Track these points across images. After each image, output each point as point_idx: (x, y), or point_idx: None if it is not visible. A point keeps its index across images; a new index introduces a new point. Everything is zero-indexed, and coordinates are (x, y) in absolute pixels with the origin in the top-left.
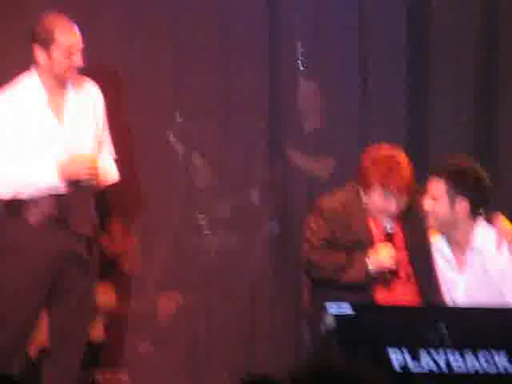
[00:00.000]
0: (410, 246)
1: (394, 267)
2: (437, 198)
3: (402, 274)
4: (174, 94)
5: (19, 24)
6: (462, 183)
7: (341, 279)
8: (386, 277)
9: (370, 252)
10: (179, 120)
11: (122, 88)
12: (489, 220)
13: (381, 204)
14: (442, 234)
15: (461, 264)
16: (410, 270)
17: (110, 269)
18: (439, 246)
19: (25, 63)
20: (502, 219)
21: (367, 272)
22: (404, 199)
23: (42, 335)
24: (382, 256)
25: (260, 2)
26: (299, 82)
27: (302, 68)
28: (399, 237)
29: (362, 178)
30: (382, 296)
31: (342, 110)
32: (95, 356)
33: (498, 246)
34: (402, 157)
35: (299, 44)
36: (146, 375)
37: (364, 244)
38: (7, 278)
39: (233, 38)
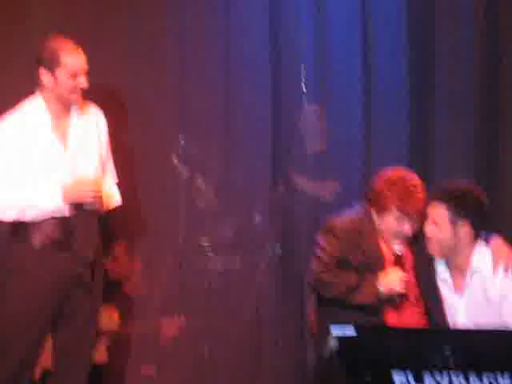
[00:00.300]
0: (418, 268)
1: (403, 291)
2: (439, 224)
3: (411, 296)
4: (177, 116)
5: (22, 46)
6: (463, 208)
7: (351, 300)
8: (396, 300)
9: (381, 275)
10: (182, 142)
11: (125, 110)
12: (486, 241)
13: (395, 227)
14: (443, 257)
15: (460, 287)
16: (418, 292)
17: (113, 292)
18: (440, 272)
19: (27, 84)
20: (497, 240)
21: (377, 295)
22: (417, 222)
23: (45, 357)
24: (392, 279)
25: (263, 25)
26: (302, 106)
27: (304, 91)
28: (409, 259)
29: (378, 201)
30: (392, 318)
31: (344, 133)
32: (99, 379)
33: (494, 266)
34: (417, 180)
35: (302, 67)
36: None
37: (375, 265)
38: (11, 302)
39: (236, 61)
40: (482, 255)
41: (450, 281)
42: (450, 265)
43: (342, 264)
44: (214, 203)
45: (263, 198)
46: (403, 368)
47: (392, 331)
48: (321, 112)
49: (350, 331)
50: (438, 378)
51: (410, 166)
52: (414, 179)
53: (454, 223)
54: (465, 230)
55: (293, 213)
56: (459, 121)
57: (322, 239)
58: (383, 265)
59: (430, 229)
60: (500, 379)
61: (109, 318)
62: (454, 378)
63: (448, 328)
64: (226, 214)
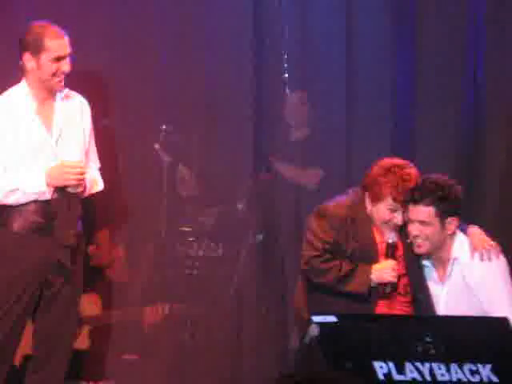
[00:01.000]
0: (407, 257)
1: (394, 280)
2: (427, 223)
3: (401, 287)
4: (160, 104)
5: (5, 33)
6: (450, 204)
7: (341, 288)
8: (387, 290)
9: (373, 266)
10: (165, 130)
11: (108, 97)
12: (464, 230)
13: (387, 216)
14: (433, 252)
15: (442, 277)
16: (407, 283)
17: (95, 278)
18: (424, 263)
19: (12, 72)
20: (474, 228)
21: (369, 284)
22: None
23: (26, 343)
24: (384, 269)
25: (246, 12)
26: (285, 93)
27: (287, 78)
28: (399, 248)
29: (372, 188)
30: (382, 308)
31: (328, 120)
32: (80, 365)
33: (472, 254)
34: (413, 168)
35: (285, 54)
36: None
37: (367, 254)
38: None
39: (219, 48)
40: (461, 244)
41: (433, 270)
42: (432, 255)
43: (333, 250)
44: (196, 191)
45: (245, 186)
46: (384, 357)
47: (373, 319)
48: (303, 99)
49: (331, 318)
50: (420, 368)
51: (393, 153)
52: (410, 168)
53: (442, 219)
54: (453, 224)
55: (275, 200)
56: (444, 108)
57: (313, 223)
58: (376, 253)
59: (416, 227)
60: (481, 368)
61: (91, 305)
62: (435, 368)
63: (429, 316)
64: (209, 201)
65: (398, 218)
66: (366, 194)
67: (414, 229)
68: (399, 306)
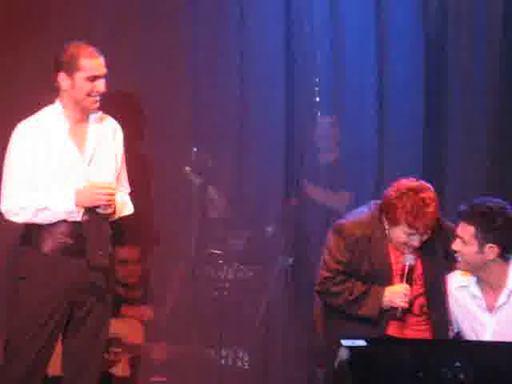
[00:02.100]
0: (427, 279)
1: (406, 306)
2: (466, 242)
3: (416, 307)
4: (191, 126)
5: (41, 54)
6: (491, 229)
7: (353, 312)
8: (398, 315)
9: (386, 289)
10: (196, 153)
11: (139, 120)
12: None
13: (403, 239)
14: (472, 273)
15: (491, 304)
16: (424, 303)
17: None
18: (468, 284)
19: (46, 92)
20: None
21: (380, 309)
22: (427, 235)
23: (55, 364)
24: (397, 294)
25: (277, 37)
26: (315, 117)
27: (318, 102)
28: (417, 268)
29: (388, 212)
30: (394, 330)
31: (357, 145)
32: None
33: None
34: (430, 192)
35: (317, 78)
36: None
37: (381, 275)
38: (23, 306)
39: (251, 72)
40: None
41: (481, 297)
42: (480, 282)
43: (347, 271)
44: (226, 213)
45: (276, 209)
46: (414, 382)
47: (403, 343)
48: (334, 123)
49: (360, 342)
50: None
51: (423, 177)
52: (427, 192)
53: (481, 243)
54: (493, 252)
55: (305, 225)
56: (473, 134)
57: (330, 240)
58: (390, 273)
59: (457, 243)
60: None
61: (134, 331)
62: None
63: (459, 341)
64: (239, 224)
65: (415, 242)
66: (383, 216)
67: (455, 243)
68: (412, 327)
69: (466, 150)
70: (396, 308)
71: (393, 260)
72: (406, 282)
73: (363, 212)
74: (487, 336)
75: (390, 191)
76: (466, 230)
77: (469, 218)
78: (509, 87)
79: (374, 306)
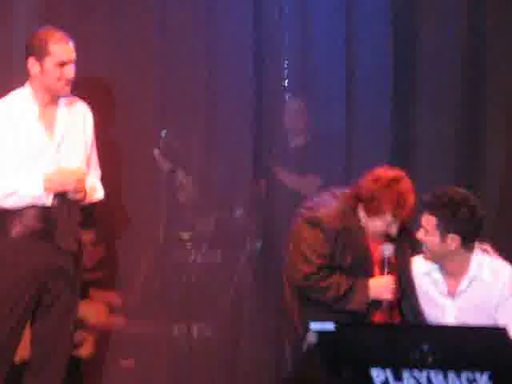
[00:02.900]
0: (398, 267)
1: (392, 297)
2: (428, 232)
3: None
4: (160, 110)
5: (5, 39)
6: (452, 220)
7: (340, 306)
8: (383, 307)
9: (370, 281)
10: (164, 136)
11: (108, 103)
12: (482, 248)
13: (383, 229)
14: (436, 262)
15: (452, 290)
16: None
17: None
18: (430, 270)
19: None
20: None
21: (367, 302)
22: (403, 223)
23: (23, 348)
24: (383, 287)
25: (246, 20)
26: (284, 100)
27: (286, 86)
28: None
29: (371, 204)
30: (380, 320)
31: (326, 127)
32: (78, 371)
33: (495, 274)
34: (409, 181)
35: (285, 61)
36: None
37: (362, 267)
38: None
39: (219, 55)
40: (479, 262)
41: (442, 282)
42: (443, 268)
43: (329, 264)
44: (194, 197)
45: (244, 193)
46: (382, 365)
47: (371, 327)
48: (302, 107)
49: (329, 326)
50: (417, 376)
51: (392, 161)
52: (406, 180)
53: (443, 233)
54: (455, 242)
55: (274, 209)
56: (443, 115)
57: (305, 233)
58: (371, 265)
59: (420, 233)
60: (478, 377)
61: (97, 313)
62: (432, 376)
63: (427, 324)
64: (207, 208)
65: (393, 230)
66: (361, 206)
67: (419, 233)
68: (397, 318)
69: (436, 132)
70: (381, 301)
71: (372, 252)
72: (388, 272)
73: (332, 203)
74: (448, 321)
75: (370, 183)
76: (428, 221)
77: (431, 208)
78: (477, 72)
79: (362, 300)
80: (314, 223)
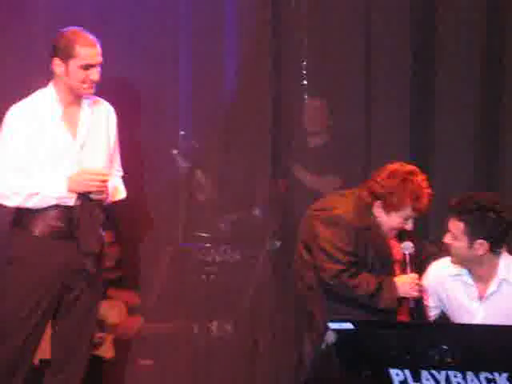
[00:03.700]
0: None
1: (418, 295)
2: (456, 237)
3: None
4: (178, 110)
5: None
6: (480, 226)
7: (375, 305)
8: (411, 305)
9: (396, 280)
10: (183, 136)
11: (130, 104)
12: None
13: (401, 224)
14: (464, 266)
15: (482, 293)
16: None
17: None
18: (460, 273)
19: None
20: None
21: (397, 300)
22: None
23: (44, 347)
24: (409, 284)
25: (264, 19)
26: (303, 100)
27: (305, 85)
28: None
29: (390, 200)
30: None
31: (345, 127)
32: (98, 370)
33: None
34: (422, 174)
35: (304, 61)
36: None
37: (384, 263)
38: (12, 290)
39: (238, 55)
40: (507, 265)
41: (472, 285)
42: (472, 272)
43: (354, 260)
44: (213, 196)
45: (263, 192)
46: (400, 364)
47: (389, 327)
48: (321, 107)
49: (347, 325)
50: (436, 375)
51: (411, 162)
52: (421, 173)
53: (471, 240)
54: (483, 247)
55: (292, 207)
56: (462, 116)
57: (326, 232)
58: (391, 264)
59: (448, 237)
60: (497, 377)
61: (116, 313)
62: (451, 376)
63: (446, 324)
64: (226, 207)
65: (409, 225)
66: (378, 202)
67: (446, 237)
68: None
69: (453, 135)
70: (408, 298)
71: (392, 250)
72: (411, 270)
73: (346, 202)
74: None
75: (386, 179)
76: (455, 226)
77: (458, 213)
78: (496, 72)
79: (391, 298)
80: (335, 222)
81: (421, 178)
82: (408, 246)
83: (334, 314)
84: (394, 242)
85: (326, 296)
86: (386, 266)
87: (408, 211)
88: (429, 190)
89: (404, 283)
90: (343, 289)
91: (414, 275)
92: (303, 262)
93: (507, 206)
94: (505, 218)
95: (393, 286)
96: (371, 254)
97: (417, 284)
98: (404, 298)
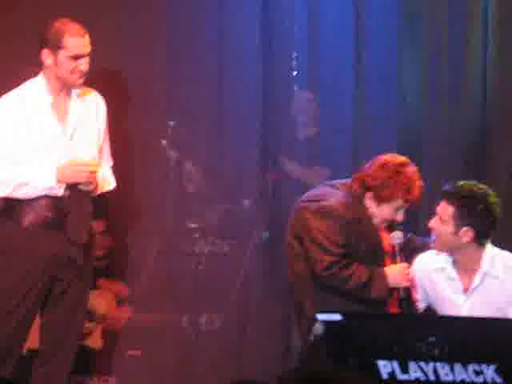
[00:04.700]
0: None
1: (408, 284)
2: (443, 221)
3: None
4: (167, 101)
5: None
6: (469, 213)
7: (366, 295)
8: (401, 295)
9: (386, 269)
10: (172, 127)
11: (119, 94)
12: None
13: (390, 215)
14: (447, 253)
15: (466, 286)
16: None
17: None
18: (444, 266)
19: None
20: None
21: (387, 290)
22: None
23: (32, 338)
24: (399, 274)
25: (255, 11)
26: (292, 92)
27: (295, 76)
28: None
29: (382, 192)
30: (394, 310)
31: (333, 119)
32: (86, 360)
33: (507, 270)
34: (413, 165)
35: (294, 53)
36: (133, 381)
37: (375, 254)
38: (0, 280)
39: (227, 46)
40: (491, 258)
41: (457, 278)
42: (456, 264)
43: (347, 254)
44: (202, 187)
45: (252, 184)
46: (388, 356)
47: (378, 318)
48: (311, 98)
49: (335, 317)
50: (423, 367)
51: (401, 153)
52: (413, 166)
53: (457, 226)
54: (468, 236)
55: (281, 198)
56: (453, 109)
57: (319, 224)
58: (382, 255)
59: (434, 221)
60: (485, 369)
61: (105, 303)
62: (438, 367)
63: (434, 316)
64: (215, 198)
65: (400, 216)
66: (370, 194)
67: (433, 220)
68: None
69: (443, 123)
70: (398, 288)
71: (383, 241)
72: (401, 259)
73: (337, 193)
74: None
75: (378, 170)
76: (445, 209)
77: (451, 197)
78: (489, 68)
79: (382, 288)
80: (327, 213)
81: (412, 170)
82: (398, 236)
83: (324, 305)
84: (385, 235)
85: (317, 286)
86: (376, 258)
87: (399, 203)
88: (420, 182)
89: (394, 272)
90: (334, 280)
91: (404, 264)
92: (294, 252)
93: (498, 202)
94: (493, 212)
95: (383, 276)
96: (362, 246)
97: (407, 273)
98: (394, 288)
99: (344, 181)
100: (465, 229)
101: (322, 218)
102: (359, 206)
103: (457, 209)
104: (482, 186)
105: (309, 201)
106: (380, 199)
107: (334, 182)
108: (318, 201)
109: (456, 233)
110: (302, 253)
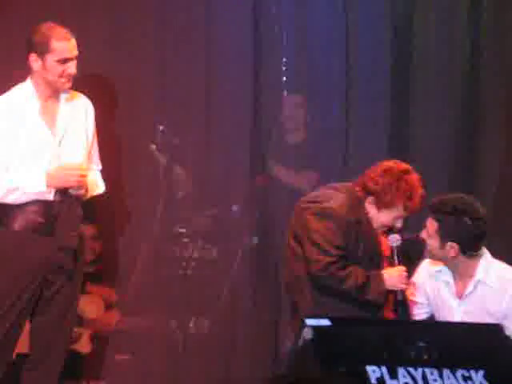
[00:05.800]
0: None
1: (405, 287)
2: (430, 236)
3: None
4: (157, 105)
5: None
6: (453, 229)
7: (362, 297)
8: (399, 298)
9: (384, 273)
10: (161, 131)
11: (107, 98)
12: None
13: (390, 222)
14: (441, 263)
15: (460, 292)
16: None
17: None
18: (442, 268)
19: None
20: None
21: (385, 293)
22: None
23: (22, 342)
24: (397, 277)
25: (245, 14)
26: (282, 96)
27: (285, 81)
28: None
29: (383, 198)
30: (390, 314)
31: (323, 123)
32: (76, 366)
33: (502, 281)
34: (416, 173)
35: (284, 57)
36: None
37: (373, 257)
38: None
39: (217, 51)
40: (486, 268)
41: (452, 283)
42: (451, 272)
43: (345, 255)
44: (191, 192)
45: (241, 189)
46: (377, 361)
47: (367, 323)
48: (301, 103)
49: (324, 322)
50: (412, 372)
51: (390, 158)
52: (416, 174)
53: (442, 241)
54: (453, 250)
55: (271, 203)
56: (441, 115)
57: (317, 225)
58: (380, 258)
59: (424, 233)
60: (473, 375)
61: (94, 308)
62: (427, 373)
63: (423, 321)
64: (204, 203)
65: (400, 223)
66: (370, 198)
67: (423, 232)
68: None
69: (429, 127)
70: (395, 291)
71: (382, 244)
72: (399, 263)
73: (337, 196)
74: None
75: (381, 176)
76: (431, 224)
77: (435, 213)
78: (471, 66)
79: (380, 290)
80: (327, 214)
81: (415, 178)
82: (395, 239)
83: (320, 307)
84: (383, 239)
85: (314, 288)
86: (374, 261)
87: (399, 210)
88: (422, 191)
89: (391, 275)
90: (331, 281)
91: (402, 268)
92: (292, 252)
93: (485, 213)
94: (479, 226)
95: (380, 279)
96: (361, 249)
97: (404, 276)
98: (391, 290)
99: (346, 183)
100: (449, 244)
101: (321, 219)
102: (360, 209)
103: (440, 224)
104: (467, 199)
105: (309, 202)
106: (380, 204)
107: (335, 184)
108: (319, 202)
109: (442, 246)
110: (300, 253)
